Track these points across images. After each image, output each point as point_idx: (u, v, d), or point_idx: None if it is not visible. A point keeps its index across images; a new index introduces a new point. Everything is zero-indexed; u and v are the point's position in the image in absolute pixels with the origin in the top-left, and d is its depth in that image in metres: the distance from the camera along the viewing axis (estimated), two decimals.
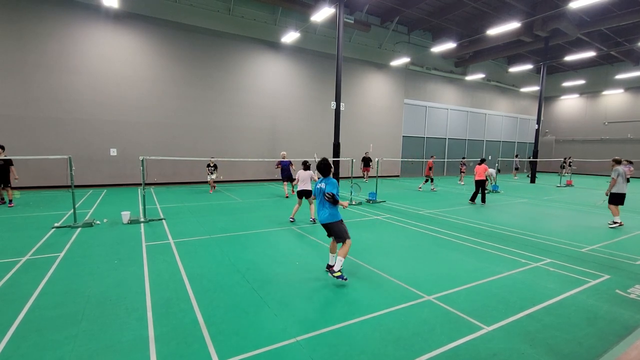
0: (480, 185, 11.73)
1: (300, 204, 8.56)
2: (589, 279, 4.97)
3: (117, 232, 7.11)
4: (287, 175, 12.34)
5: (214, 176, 13.38)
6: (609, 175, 9.28)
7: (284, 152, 13.03)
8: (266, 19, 16.61)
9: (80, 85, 13.37)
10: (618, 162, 9.02)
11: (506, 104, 29.16)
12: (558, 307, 4.06)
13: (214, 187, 13.76)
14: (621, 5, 16.52)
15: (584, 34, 19.13)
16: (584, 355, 3.14)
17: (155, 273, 4.86)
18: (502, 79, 27.45)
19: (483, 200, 11.80)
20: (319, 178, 4.97)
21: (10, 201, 9.75)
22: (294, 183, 8.33)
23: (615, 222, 8.78)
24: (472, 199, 11.93)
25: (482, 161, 12.10)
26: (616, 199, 8.78)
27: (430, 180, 15.62)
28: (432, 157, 16.82)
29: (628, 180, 10.50)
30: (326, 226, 4.80)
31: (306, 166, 8.51)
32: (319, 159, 4.91)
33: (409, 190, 15.59)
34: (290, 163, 12.33)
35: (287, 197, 12.24)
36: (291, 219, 8.42)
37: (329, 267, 4.91)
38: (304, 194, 8.47)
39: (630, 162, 15.08)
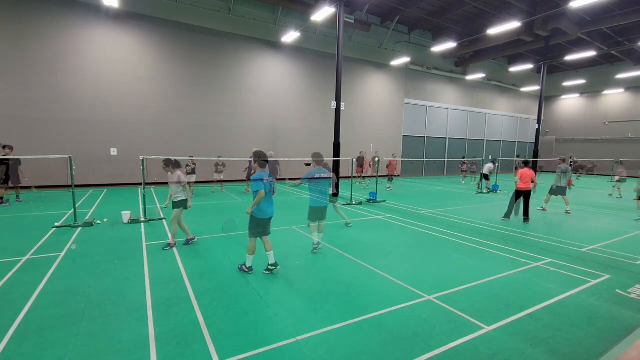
0: (524, 195, 8.85)
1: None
2: (590, 278, 4.97)
3: (118, 231, 7.11)
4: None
5: (221, 176, 13.45)
6: (609, 175, 9.56)
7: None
8: (266, 19, 16.60)
9: (81, 85, 13.36)
10: (563, 160, 10.85)
11: (506, 104, 29.12)
12: (558, 306, 4.06)
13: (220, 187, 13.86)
14: (622, 5, 16.49)
15: (585, 33, 19.10)
16: (584, 355, 3.14)
17: (156, 273, 4.87)
18: (503, 78, 27.41)
19: (526, 214, 8.88)
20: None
21: (17, 196, 10.61)
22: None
23: (543, 208, 10.83)
24: (507, 215, 9.11)
25: (527, 163, 9.01)
26: (557, 191, 10.63)
27: (389, 179, 16.13)
28: (393, 155, 17.22)
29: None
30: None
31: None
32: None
33: (409, 190, 15.58)
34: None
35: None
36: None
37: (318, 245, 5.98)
38: None
39: None
